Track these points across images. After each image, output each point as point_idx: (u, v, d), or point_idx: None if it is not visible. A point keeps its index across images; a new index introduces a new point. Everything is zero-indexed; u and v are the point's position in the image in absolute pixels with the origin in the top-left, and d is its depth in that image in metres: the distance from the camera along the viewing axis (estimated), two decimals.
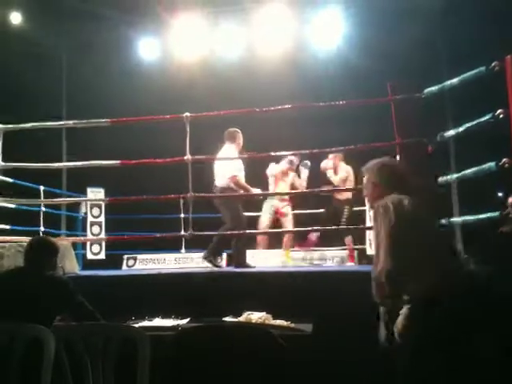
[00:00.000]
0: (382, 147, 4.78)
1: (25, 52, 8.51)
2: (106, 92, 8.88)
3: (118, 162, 5.04)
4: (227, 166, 5.14)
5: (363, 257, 6.82)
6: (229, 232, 5.07)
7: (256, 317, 2.91)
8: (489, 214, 4.01)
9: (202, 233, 4.83)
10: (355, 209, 6.51)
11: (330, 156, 6.44)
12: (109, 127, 5.15)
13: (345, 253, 6.84)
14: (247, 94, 8.09)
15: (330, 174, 6.39)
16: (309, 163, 6.61)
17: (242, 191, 5.18)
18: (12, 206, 6.05)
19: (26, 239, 3.11)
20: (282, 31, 8.63)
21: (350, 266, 6.46)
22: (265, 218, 6.52)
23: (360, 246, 6.94)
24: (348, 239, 6.58)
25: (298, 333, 2.57)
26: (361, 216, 6.54)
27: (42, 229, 7.35)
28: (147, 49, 9.46)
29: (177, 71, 8.87)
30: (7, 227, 6.28)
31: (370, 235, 6.55)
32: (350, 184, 6.35)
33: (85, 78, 9.11)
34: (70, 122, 5.42)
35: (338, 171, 6.44)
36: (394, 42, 7.78)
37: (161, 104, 7.23)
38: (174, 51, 9.08)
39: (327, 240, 7.28)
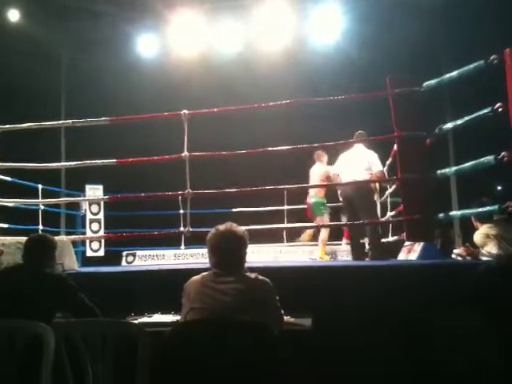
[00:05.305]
0: (381, 140, 4.80)
1: (23, 50, 8.45)
2: (105, 89, 8.85)
3: (114, 160, 5.00)
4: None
5: None
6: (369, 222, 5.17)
7: None
8: (488, 208, 4.02)
9: (199, 229, 4.78)
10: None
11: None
12: (108, 125, 5.14)
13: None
14: (246, 90, 8.08)
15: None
16: None
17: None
18: (10, 204, 6.03)
19: (25, 238, 3.09)
20: (281, 27, 8.60)
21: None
22: None
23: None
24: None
25: (298, 327, 2.57)
26: None
27: (41, 227, 7.34)
28: (146, 45, 9.39)
29: (175, 68, 8.85)
30: (5, 226, 6.26)
31: None
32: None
33: (83, 75, 9.08)
34: (69, 121, 5.37)
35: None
36: (393, 36, 7.76)
37: (160, 101, 7.22)
38: (172, 47, 9.05)
39: None
